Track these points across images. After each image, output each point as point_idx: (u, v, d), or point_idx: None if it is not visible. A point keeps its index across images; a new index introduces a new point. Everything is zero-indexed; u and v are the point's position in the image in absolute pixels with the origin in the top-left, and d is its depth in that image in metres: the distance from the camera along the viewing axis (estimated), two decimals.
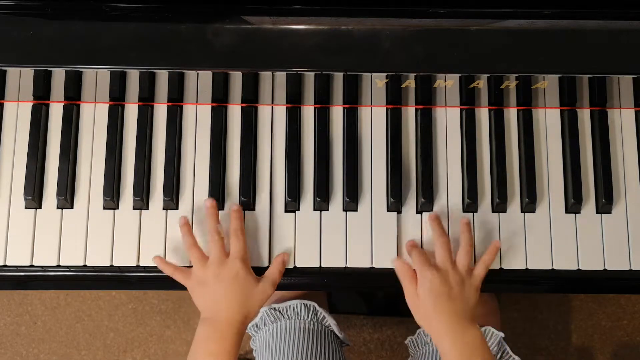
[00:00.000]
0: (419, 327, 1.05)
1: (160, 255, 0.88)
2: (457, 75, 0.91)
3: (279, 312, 1.02)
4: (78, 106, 0.92)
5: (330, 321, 1.03)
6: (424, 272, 0.83)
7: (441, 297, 0.81)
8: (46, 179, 0.90)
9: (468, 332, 0.81)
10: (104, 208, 0.89)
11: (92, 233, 0.89)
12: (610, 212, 0.90)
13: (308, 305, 1.02)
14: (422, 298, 0.83)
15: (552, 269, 0.89)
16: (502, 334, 1.00)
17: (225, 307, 0.83)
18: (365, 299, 1.62)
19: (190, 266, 0.86)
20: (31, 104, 0.91)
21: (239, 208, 0.88)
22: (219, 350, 0.82)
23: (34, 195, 0.88)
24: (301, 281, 0.90)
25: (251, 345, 1.09)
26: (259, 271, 0.88)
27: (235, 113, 0.92)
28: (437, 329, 0.82)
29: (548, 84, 0.92)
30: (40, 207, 0.89)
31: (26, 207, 0.89)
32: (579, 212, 0.90)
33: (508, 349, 1.01)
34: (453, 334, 0.80)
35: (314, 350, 0.99)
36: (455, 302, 0.82)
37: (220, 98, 0.92)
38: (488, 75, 0.91)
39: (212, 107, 0.92)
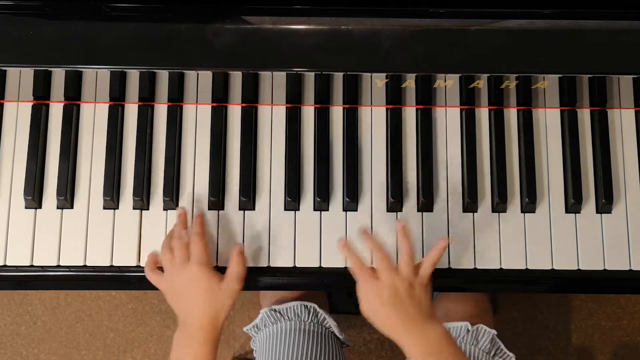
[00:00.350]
0: None
1: (155, 254, 0.88)
2: (457, 75, 0.91)
3: (280, 313, 1.02)
4: (78, 106, 0.92)
5: (330, 322, 1.03)
6: (369, 290, 0.81)
7: (393, 304, 0.80)
8: (46, 179, 0.90)
9: (428, 330, 0.80)
10: (104, 208, 0.89)
11: (92, 233, 0.89)
12: (610, 212, 0.90)
13: (309, 307, 1.02)
14: (373, 309, 0.81)
15: (552, 269, 0.89)
16: (494, 332, 1.01)
17: (192, 310, 0.84)
18: None
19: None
20: (31, 104, 0.91)
21: (201, 214, 0.88)
22: (192, 352, 0.82)
23: (34, 195, 0.88)
24: (301, 281, 0.90)
25: (252, 346, 1.09)
26: (257, 271, 0.88)
27: (235, 113, 0.92)
28: (397, 333, 0.80)
29: (548, 84, 0.92)
30: (40, 207, 0.89)
31: (26, 207, 0.89)
32: (579, 212, 0.90)
33: (502, 345, 1.01)
34: (412, 334, 0.79)
35: (314, 351, 0.99)
36: (407, 309, 0.80)
37: (220, 98, 0.92)
38: (488, 75, 0.91)
39: (212, 107, 0.92)
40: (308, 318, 1.02)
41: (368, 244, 0.86)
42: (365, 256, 0.87)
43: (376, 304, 0.81)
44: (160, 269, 0.87)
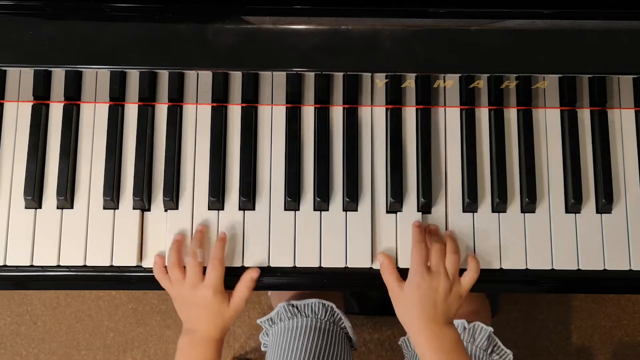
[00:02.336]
0: None
1: (162, 256, 0.88)
2: (457, 75, 0.91)
3: (297, 309, 1.03)
4: (78, 106, 0.92)
5: (346, 323, 1.04)
6: (417, 274, 0.83)
7: (427, 300, 0.82)
8: (46, 179, 0.90)
9: (444, 332, 0.82)
10: (104, 208, 0.89)
11: (92, 233, 0.89)
12: (610, 212, 0.90)
13: (326, 305, 1.03)
14: (407, 296, 0.83)
15: (552, 269, 0.89)
16: (491, 329, 1.01)
17: (200, 323, 0.86)
18: (365, 299, 1.62)
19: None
20: (31, 104, 0.91)
21: (224, 237, 0.88)
22: (201, 356, 0.86)
23: (34, 195, 0.88)
24: (301, 281, 0.90)
25: (261, 339, 1.09)
26: (260, 271, 0.88)
27: (235, 113, 0.92)
28: (414, 325, 0.83)
29: (548, 84, 0.92)
30: (40, 207, 0.89)
31: (26, 207, 0.89)
32: (579, 212, 0.90)
33: (499, 342, 1.02)
34: (429, 332, 0.82)
35: (327, 350, 0.99)
36: (437, 308, 0.82)
37: (220, 98, 0.92)
38: (488, 75, 0.91)
39: (212, 107, 0.92)
40: (325, 316, 1.02)
41: (450, 243, 0.86)
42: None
43: (412, 291, 0.83)
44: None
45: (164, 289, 0.88)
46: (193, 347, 0.86)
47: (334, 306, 1.03)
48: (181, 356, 0.86)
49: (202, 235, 0.88)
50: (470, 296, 1.10)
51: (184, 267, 0.86)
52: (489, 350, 1.00)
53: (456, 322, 1.02)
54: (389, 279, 0.85)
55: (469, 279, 0.85)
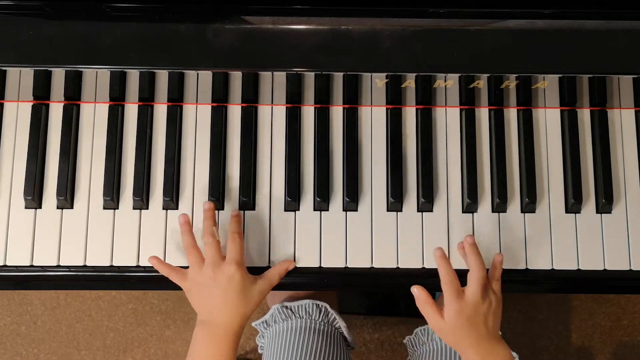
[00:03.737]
0: (417, 327, 1.05)
1: (158, 256, 0.87)
2: (457, 75, 0.91)
3: (291, 310, 1.03)
4: (78, 106, 0.92)
5: (340, 323, 1.04)
6: (453, 303, 0.81)
7: (470, 325, 0.81)
8: (46, 179, 0.90)
9: (495, 350, 0.82)
10: (104, 208, 0.89)
11: (92, 233, 0.89)
12: (610, 212, 0.90)
13: (320, 306, 1.03)
14: (449, 324, 0.82)
15: (552, 269, 0.89)
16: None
17: (222, 311, 0.83)
18: (365, 299, 1.62)
19: (187, 267, 0.86)
20: (31, 104, 0.91)
21: (239, 213, 0.88)
22: (217, 352, 0.82)
23: (34, 195, 0.88)
24: (301, 281, 0.90)
25: (257, 342, 1.09)
26: (257, 271, 0.88)
27: (235, 113, 0.92)
28: (464, 348, 0.82)
29: (548, 84, 0.92)
30: (40, 207, 0.89)
31: (26, 207, 0.89)
32: (579, 212, 0.90)
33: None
34: (480, 352, 0.81)
35: (322, 351, 0.99)
36: (480, 327, 0.82)
37: (220, 98, 0.92)
38: (488, 75, 0.91)
39: (212, 107, 0.92)
40: (319, 317, 1.02)
41: (474, 259, 0.84)
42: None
43: (453, 320, 0.81)
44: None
45: (164, 289, 0.88)
46: (209, 341, 0.83)
47: (327, 306, 1.03)
48: (195, 350, 0.83)
49: (212, 213, 0.87)
50: None
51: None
52: None
53: None
54: (428, 312, 0.83)
55: (498, 283, 0.85)
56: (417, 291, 0.83)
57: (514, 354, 1.01)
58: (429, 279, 0.85)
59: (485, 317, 0.82)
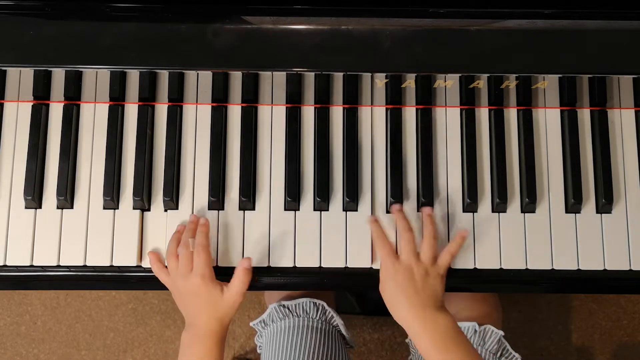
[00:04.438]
0: None
1: (157, 253, 0.88)
2: (457, 75, 0.91)
3: (288, 309, 1.03)
4: (78, 106, 0.92)
5: (338, 321, 1.04)
6: (387, 265, 0.84)
7: (406, 289, 0.82)
8: (46, 179, 0.90)
9: (438, 319, 0.82)
10: (104, 208, 0.89)
11: (92, 233, 0.89)
12: (610, 212, 0.90)
13: (317, 304, 1.03)
14: (386, 289, 0.84)
15: (552, 269, 0.89)
16: (501, 333, 1.01)
17: (199, 316, 0.86)
18: (365, 299, 1.62)
19: None
20: (31, 104, 0.91)
21: (206, 223, 0.88)
22: (203, 354, 0.85)
23: (34, 195, 0.88)
24: (301, 281, 0.90)
25: (256, 341, 1.09)
26: (259, 271, 0.88)
27: (235, 113, 0.92)
28: (405, 317, 0.83)
29: (548, 84, 0.92)
30: (40, 207, 0.89)
31: (26, 207, 0.89)
32: (579, 212, 0.90)
33: (508, 346, 1.01)
34: (422, 321, 0.81)
35: (321, 349, 0.99)
36: (420, 294, 0.82)
37: (220, 98, 0.92)
38: (488, 75, 0.91)
39: (212, 107, 0.92)
40: (316, 315, 1.02)
41: (401, 223, 0.87)
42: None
43: (390, 285, 0.83)
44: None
45: (163, 289, 0.88)
46: (194, 342, 0.86)
47: (325, 305, 1.03)
48: (183, 352, 0.86)
49: (194, 226, 0.88)
50: (481, 299, 1.10)
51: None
52: (499, 354, 1.00)
53: (467, 324, 1.02)
54: (383, 261, 0.85)
55: (445, 256, 0.85)
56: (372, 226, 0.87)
57: (516, 355, 1.01)
58: None
59: (422, 283, 0.83)
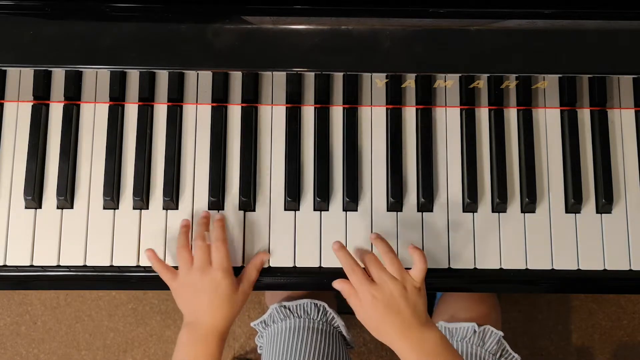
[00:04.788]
0: None
1: (157, 255, 0.87)
2: (457, 75, 0.91)
3: (289, 310, 1.02)
4: (78, 106, 0.92)
5: (339, 322, 1.04)
6: (364, 291, 0.80)
7: (389, 312, 0.79)
8: (46, 179, 0.90)
9: (425, 336, 0.79)
10: (104, 208, 0.89)
11: (92, 233, 0.89)
12: (610, 212, 0.90)
13: (318, 305, 1.03)
14: (369, 318, 0.81)
15: (552, 269, 0.89)
16: (501, 333, 1.01)
17: (208, 314, 0.83)
18: None
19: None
20: (31, 104, 0.91)
21: (222, 217, 0.87)
22: (203, 354, 0.82)
23: (34, 195, 0.88)
24: (301, 281, 0.90)
25: (256, 342, 1.09)
26: (260, 271, 0.88)
27: (235, 113, 0.92)
28: (391, 342, 0.80)
29: (548, 84, 0.92)
30: (40, 207, 0.89)
31: (26, 207, 0.89)
32: (579, 212, 0.90)
33: (508, 347, 1.01)
34: (409, 342, 0.78)
35: (322, 350, 0.99)
36: (403, 312, 0.79)
37: (220, 98, 0.92)
38: (488, 75, 0.91)
39: (212, 107, 0.92)
40: (317, 316, 1.02)
41: (381, 246, 0.84)
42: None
43: (370, 308, 0.80)
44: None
45: (163, 289, 0.88)
46: (195, 342, 0.83)
47: (326, 305, 1.03)
48: (181, 352, 0.84)
49: (207, 220, 0.87)
50: (480, 299, 1.10)
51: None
52: (498, 354, 1.00)
53: (466, 324, 1.02)
54: (352, 303, 0.82)
55: (418, 270, 0.82)
56: (339, 285, 0.83)
57: (515, 355, 1.01)
58: (428, 278, 0.85)
59: (404, 301, 0.79)
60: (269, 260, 0.88)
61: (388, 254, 0.83)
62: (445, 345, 0.80)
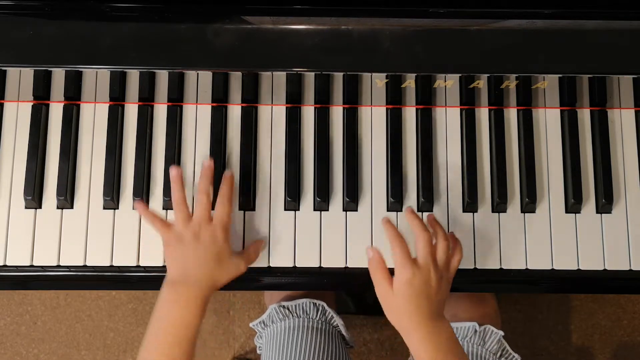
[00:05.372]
0: None
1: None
2: (457, 75, 0.91)
3: (288, 310, 1.02)
4: (78, 106, 0.92)
5: (338, 321, 1.04)
6: (405, 268, 0.78)
7: (420, 296, 0.78)
8: (46, 179, 0.90)
9: (441, 329, 0.78)
10: (104, 208, 0.89)
11: (92, 233, 0.89)
12: (610, 212, 0.90)
13: (317, 305, 1.03)
14: (397, 295, 0.79)
15: (552, 269, 0.89)
16: (501, 333, 1.01)
17: (196, 269, 0.81)
18: (365, 299, 1.62)
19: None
20: (31, 104, 0.91)
21: (231, 175, 0.86)
22: (185, 314, 0.79)
23: (34, 195, 0.88)
24: (301, 281, 0.90)
25: (255, 342, 1.09)
26: (259, 271, 0.88)
27: (235, 113, 0.92)
28: (407, 325, 0.79)
29: (548, 84, 0.92)
30: (40, 207, 0.89)
31: (26, 207, 0.89)
32: (579, 212, 0.90)
33: (508, 347, 1.01)
34: (425, 330, 0.77)
35: (321, 350, 0.99)
36: (432, 301, 0.78)
37: (220, 98, 0.92)
38: (488, 75, 0.91)
39: (212, 107, 0.92)
40: (316, 316, 1.02)
41: (416, 222, 0.82)
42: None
43: (405, 290, 0.78)
44: None
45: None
46: (177, 302, 0.79)
47: (325, 305, 1.03)
48: (163, 312, 0.80)
49: (211, 173, 0.85)
50: (481, 299, 1.10)
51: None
52: (498, 354, 1.00)
53: (467, 324, 1.02)
54: (378, 277, 0.80)
55: (457, 260, 0.82)
56: (372, 252, 0.81)
57: (515, 355, 1.01)
58: None
59: (436, 290, 0.78)
60: (269, 260, 0.88)
61: (444, 241, 0.81)
62: (455, 340, 0.80)
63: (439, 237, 0.82)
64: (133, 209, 0.89)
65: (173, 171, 0.85)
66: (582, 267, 0.89)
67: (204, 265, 0.81)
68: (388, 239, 0.82)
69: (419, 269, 0.78)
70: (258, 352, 1.09)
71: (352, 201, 0.89)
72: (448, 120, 0.92)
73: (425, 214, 0.89)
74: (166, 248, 0.84)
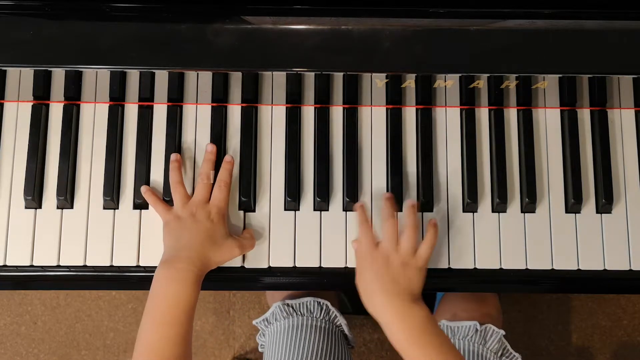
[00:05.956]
0: None
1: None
2: (457, 75, 0.91)
3: (292, 308, 1.03)
4: (78, 106, 0.92)
5: (341, 321, 1.04)
6: (367, 250, 0.83)
7: (383, 276, 0.81)
8: (46, 179, 0.90)
9: (413, 311, 0.79)
10: (104, 208, 0.89)
11: (92, 233, 0.89)
12: (610, 212, 0.90)
13: (321, 304, 1.03)
14: (359, 276, 0.83)
15: (552, 269, 0.89)
16: (502, 332, 1.01)
17: (190, 247, 0.82)
18: (358, 298, 1.62)
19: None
20: (31, 104, 0.91)
21: (231, 160, 0.89)
22: (178, 288, 0.79)
23: (34, 195, 0.88)
24: (301, 281, 0.90)
25: (258, 340, 1.09)
26: (259, 271, 0.88)
27: (235, 113, 0.92)
28: (378, 305, 0.81)
29: (548, 84, 0.92)
30: (40, 207, 0.89)
31: (26, 207, 0.89)
32: (579, 212, 0.90)
33: (509, 346, 1.01)
34: (395, 309, 0.79)
35: (324, 349, 0.99)
36: (398, 283, 0.80)
37: (220, 98, 0.92)
38: (488, 75, 0.91)
39: (212, 107, 0.92)
40: (320, 315, 1.02)
41: (387, 209, 0.85)
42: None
43: (367, 271, 0.82)
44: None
45: None
46: (172, 279, 0.80)
47: (329, 304, 1.03)
48: (158, 289, 0.80)
49: (213, 157, 0.89)
50: (482, 299, 1.10)
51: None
52: (499, 353, 1.00)
53: (468, 323, 1.02)
54: (357, 267, 0.84)
55: (425, 248, 0.83)
56: (356, 244, 0.86)
57: (516, 354, 1.01)
58: (428, 278, 0.85)
59: (400, 273, 0.81)
60: (269, 260, 0.88)
61: (411, 229, 0.83)
62: (434, 324, 0.80)
63: (408, 225, 0.84)
64: (133, 209, 0.89)
65: (173, 156, 0.88)
66: (582, 267, 0.89)
67: (197, 243, 0.83)
68: (358, 224, 0.86)
69: (378, 252, 0.82)
70: (260, 350, 1.09)
71: (352, 201, 0.89)
72: (448, 120, 0.92)
73: (425, 214, 0.89)
74: (164, 228, 0.86)
